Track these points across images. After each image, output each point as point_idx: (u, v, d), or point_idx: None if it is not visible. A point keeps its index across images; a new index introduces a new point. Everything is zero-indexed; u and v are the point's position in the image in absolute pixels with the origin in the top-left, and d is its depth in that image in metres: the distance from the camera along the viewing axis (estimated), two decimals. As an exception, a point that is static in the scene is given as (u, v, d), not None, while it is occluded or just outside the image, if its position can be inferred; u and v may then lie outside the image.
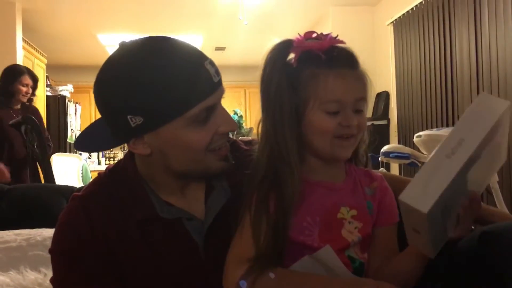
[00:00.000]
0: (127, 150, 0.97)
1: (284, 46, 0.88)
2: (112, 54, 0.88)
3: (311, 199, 0.87)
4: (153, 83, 0.82)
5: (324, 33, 0.88)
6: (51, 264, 0.92)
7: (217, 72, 0.88)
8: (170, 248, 0.91)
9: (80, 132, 1.01)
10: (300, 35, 0.88)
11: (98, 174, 1.00)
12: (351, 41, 0.92)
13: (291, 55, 0.88)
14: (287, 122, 0.85)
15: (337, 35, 0.88)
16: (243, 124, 5.86)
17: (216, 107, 0.88)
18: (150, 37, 0.88)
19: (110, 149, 1.01)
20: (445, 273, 1.10)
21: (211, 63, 0.87)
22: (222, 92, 0.90)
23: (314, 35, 0.88)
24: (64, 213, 0.93)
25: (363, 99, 0.87)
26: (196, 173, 0.92)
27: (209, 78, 0.86)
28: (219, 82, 0.88)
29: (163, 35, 0.90)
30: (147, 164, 0.94)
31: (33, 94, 3.40)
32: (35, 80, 3.38)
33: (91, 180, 0.99)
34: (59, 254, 0.90)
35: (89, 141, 0.99)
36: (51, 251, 0.92)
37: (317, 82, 0.84)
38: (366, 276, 0.88)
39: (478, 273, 1.04)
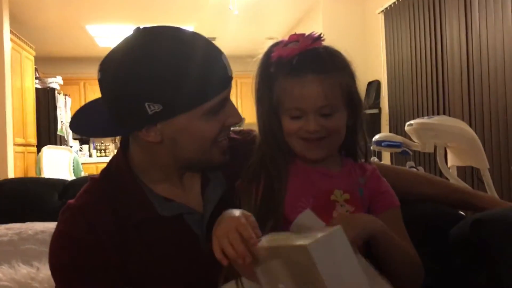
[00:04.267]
0: (118, 144, 0.97)
1: (269, 50, 0.94)
2: (129, 38, 0.86)
3: (307, 181, 0.92)
4: (176, 72, 0.82)
5: (314, 24, 0.90)
6: (52, 276, 0.90)
7: (229, 66, 0.92)
8: (171, 244, 0.91)
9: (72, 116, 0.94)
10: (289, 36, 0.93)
11: (91, 179, 0.97)
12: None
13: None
14: (268, 116, 0.93)
15: (320, 33, 0.91)
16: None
17: (227, 99, 0.92)
18: (167, 26, 0.88)
19: (113, 137, 1.00)
20: (439, 259, 1.12)
21: (225, 57, 0.91)
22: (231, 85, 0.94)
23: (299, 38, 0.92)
24: (62, 223, 0.91)
25: (328, 106, 0.89)
26: (200, 163, 0.94)
27: (225, 72, 0.89)
28: (232, 75, 0.92)
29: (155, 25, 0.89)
30: (150, 154, 0.92)
31: None
32: None
33: (84, 186, 0.96)
34: (62, 266, 0.88)
35: (86, 126, 0.95)
36: (53, 264, 0.89)
37: (281, 90, 0.91)
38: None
39: (471, 259, 1.06)
